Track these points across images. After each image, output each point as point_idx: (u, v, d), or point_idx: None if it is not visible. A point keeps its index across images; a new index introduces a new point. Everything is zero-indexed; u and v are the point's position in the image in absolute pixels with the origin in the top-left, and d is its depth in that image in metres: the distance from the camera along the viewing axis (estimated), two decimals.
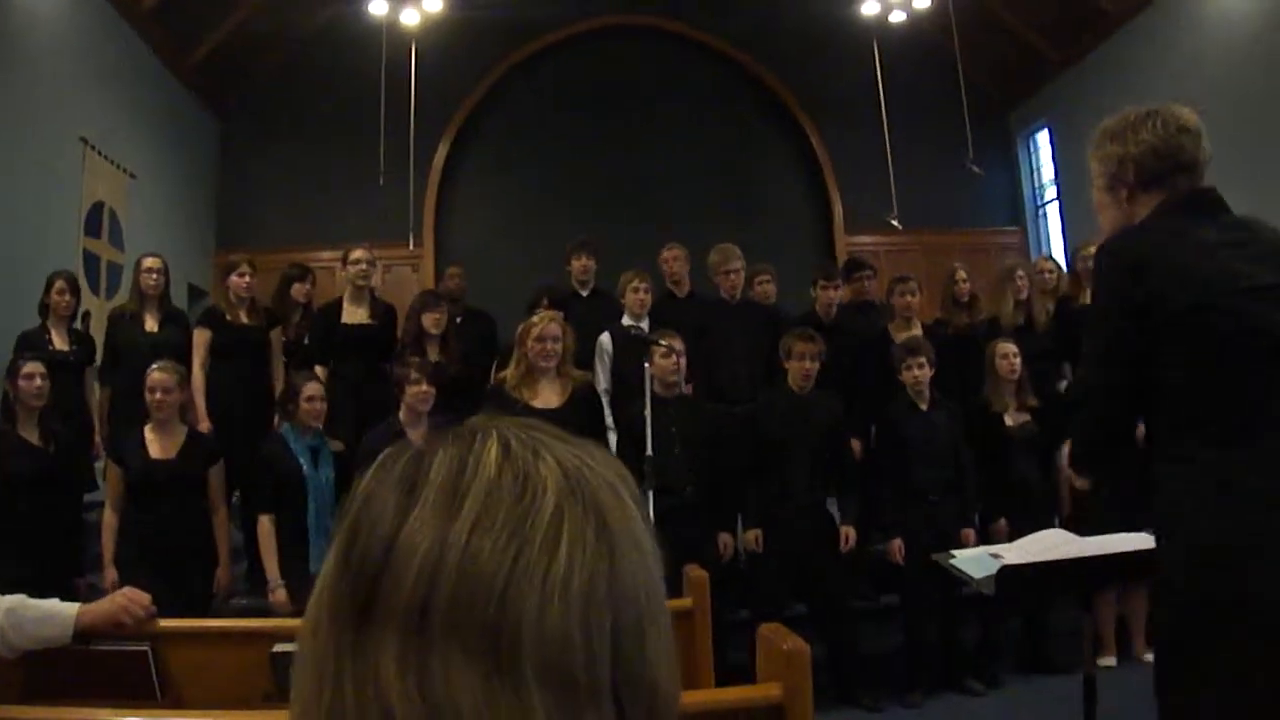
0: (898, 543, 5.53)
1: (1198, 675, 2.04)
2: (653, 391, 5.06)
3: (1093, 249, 6.52)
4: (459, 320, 7.05)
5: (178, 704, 2.36)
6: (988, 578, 2.39)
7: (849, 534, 5.48)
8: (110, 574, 4.67)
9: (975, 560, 2.52)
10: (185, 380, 5.18)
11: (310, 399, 5.02)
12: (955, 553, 2.68)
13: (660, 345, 5.25)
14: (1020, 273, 6.69)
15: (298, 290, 6.56)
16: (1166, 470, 2.14)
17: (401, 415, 5.06)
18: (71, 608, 2.30)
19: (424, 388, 5.00)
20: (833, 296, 6.64)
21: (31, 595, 2.27)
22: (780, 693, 1.76)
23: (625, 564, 0.61)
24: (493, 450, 0.62)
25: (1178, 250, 2.14)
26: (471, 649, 0.56)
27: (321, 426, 5.10)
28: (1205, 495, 2.04)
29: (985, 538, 5.52)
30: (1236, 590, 1.98)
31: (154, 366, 4.96)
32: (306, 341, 6.47)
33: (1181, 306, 2.09)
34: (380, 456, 0.66)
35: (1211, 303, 2.08)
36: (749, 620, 5.41)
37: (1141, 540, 2.55)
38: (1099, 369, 2.28)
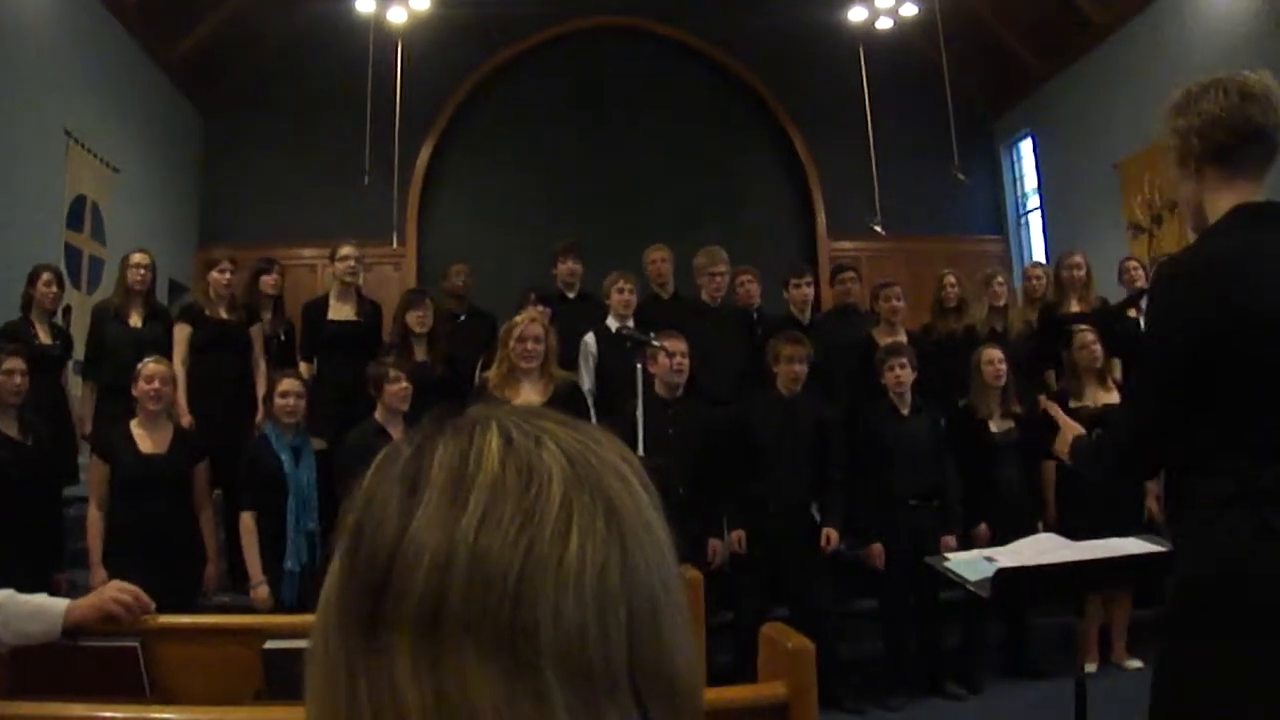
0: (878, 547, 5.54)
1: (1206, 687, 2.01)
2: (654, 392, 5.05)
3: (1078, 258, 6.73)
4: (461, 319, 7.05)
5: (167, 700, 2.34)
6: (983, 580, 2.40)
7: (830, 535, 5.46)
8: (99, 573, 4.59)
9: (970, 564, 2.53)
10: (174, 376, 5.14)
11: (284, 395, 5.02)
12: (949, 555, 2.68)
13: (656, 346, 5.23)
14: (999, 279, 6.76)
15: (266, 283, 6.51)
16: (1204, 485, 2.05)
17: (379, 414, 5.07)
18: (60, 603, 2.27)
19: (402, 385, 5.03)
20: (806, 294, 6.67)
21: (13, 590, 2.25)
22: (785, 692, 1.75)
23: (637, 551, 0.60)
24: (494, 442, 0.61)
25: (1245, 268, 2.04)
26: (487, 648, 0.55)
27: (298, 423, 5.09)
28: (1243, 512, 1.97)
29: (966, 543, 5.54)
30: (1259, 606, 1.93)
31: (148, 359, 4.94)
32: (283, 336, 6.45)
33: (1248, 328, 1.99)
34: (380, 454, 0.65)
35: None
36: (731, 623, 5.43)
37: (1133, 545, 2.56)
38: (1150, 396, 2.16)
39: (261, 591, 4.81)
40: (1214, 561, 2.01)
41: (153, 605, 2.37)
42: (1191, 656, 2.04)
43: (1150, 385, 2.17)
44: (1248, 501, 1.97)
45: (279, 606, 4.72)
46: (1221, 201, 2.14)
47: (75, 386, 6.16)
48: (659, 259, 6.90)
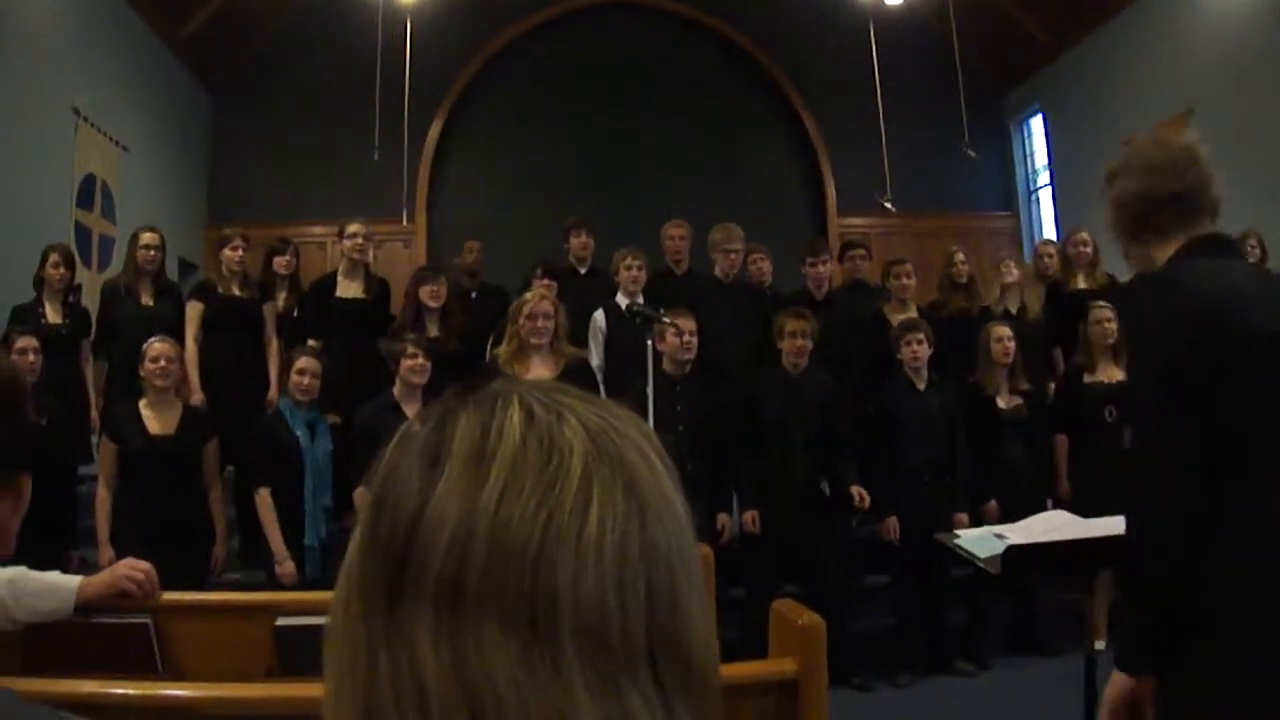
0: (893, 521, 5.55)
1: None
2: (661, 369, 5.05)
3: (1084, 234, 6.69)
4: (473, 295, 7.06)
5: (179, 677, 2.35)
6: (993, 557, 2.40)
7: (861, 493, 5.45)
8: (106, 553, 4.61)
9: (980, 540, 2.53)
10: (181, 354, 5.15)
11: (300, 372, 5.03)
12: (959, 532, 2.68)
13: (665, 324, 5.23)
14: (1010, 260, 6.77)
15: (279, 263, 6.59)
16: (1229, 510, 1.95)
17: (396, 390, 5.07)
18: (73, 580, 2.28)
19: (419, 361, 5.03)
20: (821, 272, 6.67)
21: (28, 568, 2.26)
22: (796, 667, 1.76)
23: (657, 525, 0.60)
24: (515, 415, 0.61)
25: (1238, 287, 1.98)
26: (507, 620, 0.55)
27: (312, 400, 5.10)
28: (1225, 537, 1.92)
29: (976, 519, 5.54)
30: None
31: (153, 339, 4.94)
32: (295, 314, 6.46)
33: (1260, 351, 1.91)
34: (401, 428, 0.65)
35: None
36: (740, 600, 5.44)
37: None
38: (1167, 445, 1.95)
39: (288, 567, 4.82)
40: (1216, 592, 1.95)
41: (159, 590, 2.39)
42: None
43: (1168, 410, 1.96)
44: (1231, 525, 1.93)
45: (302, 583, 4.75)
46: (1168, 249, 2.14)
47: (91, 366, 6.16)
48: (677, 235, 6.90)
